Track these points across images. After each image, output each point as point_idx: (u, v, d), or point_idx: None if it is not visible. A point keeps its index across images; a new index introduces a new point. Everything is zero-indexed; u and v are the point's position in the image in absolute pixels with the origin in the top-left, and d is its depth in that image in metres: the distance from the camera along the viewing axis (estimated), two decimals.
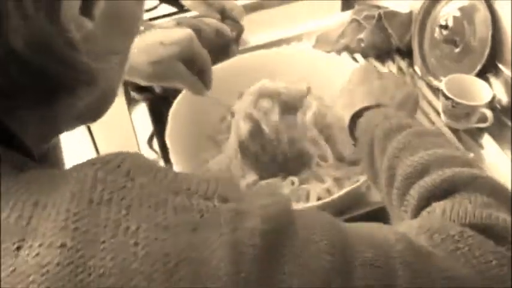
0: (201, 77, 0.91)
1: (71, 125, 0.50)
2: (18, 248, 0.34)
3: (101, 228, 0.35)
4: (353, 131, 0.76)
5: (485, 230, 0.48)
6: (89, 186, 0.37)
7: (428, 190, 0.56)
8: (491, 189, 0.54)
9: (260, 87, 0.97)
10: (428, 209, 0.54)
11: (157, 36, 0.86)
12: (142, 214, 0.37)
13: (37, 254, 0.34)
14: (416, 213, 0.57)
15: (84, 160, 0.42)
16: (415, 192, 0.58)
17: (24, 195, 0.37)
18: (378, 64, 1.24)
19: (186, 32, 0.88)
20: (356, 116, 0.76)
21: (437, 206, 0.53)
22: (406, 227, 0.50)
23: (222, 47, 1.21)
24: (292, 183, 0.90)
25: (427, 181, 0.57)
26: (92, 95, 0.46)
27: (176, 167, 0.89)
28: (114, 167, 0.39)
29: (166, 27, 0.92)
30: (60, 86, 0.42)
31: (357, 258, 0.41)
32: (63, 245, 0.34)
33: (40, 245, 0.34)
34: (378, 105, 0.76)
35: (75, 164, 0.42)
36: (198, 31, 1.10)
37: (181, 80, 0.90)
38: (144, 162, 0.40)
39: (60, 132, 0.50)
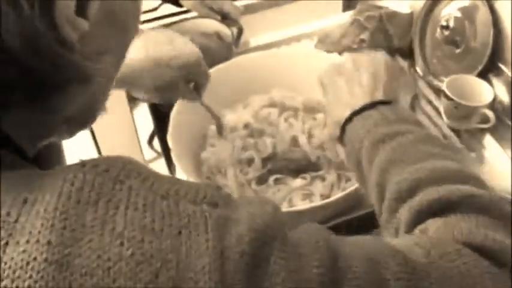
0: (196, 88, 0.93)
1: (60, 128, 0.49)
2: (6, 244, 0.35)
3: (88, 228, 0.36)
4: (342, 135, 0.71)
5: (481, 250, 0.47)
6: (77, 187, 0.37)
7: (419, 210, 0.53)
8: (487, 207, 0.51)
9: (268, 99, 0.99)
10: (421, 226, 0.52)
11: (165, 54, 0.85)
12: (129, 216, 0.37)
13: (23, 251, 0.34)
14: (407, 231, 0.54)
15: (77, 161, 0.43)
16: (405, 211, 0.54)
17: (13, 193, 0.37)
18: None
19: (195, 54, 0.88)
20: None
21: (431, 225, 0.51)
22: (401, 242, 0.49)
23: (222, 48, 1.21)
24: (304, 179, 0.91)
25: (419, 200, 0.53)
26: (82, 96, 0.46)
27: (178, 167, 0.89)
28: (102, 170, 0.39)
29: (178, 31, 0.90)
30: (51, 85, 0.42)
31: (348, 272, 0.41)
32: (49, 243, 0.34)
33: (27, 242, 0.35)
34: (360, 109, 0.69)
35: (66, 164, 0.42)
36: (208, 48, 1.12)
37: (180, 96, 0.93)
38: (134, 167, 0.40)
39: (50, 134, 0.49)
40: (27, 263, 0.34)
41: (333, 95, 0.74)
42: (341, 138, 0.71)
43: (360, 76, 0.72)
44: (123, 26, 0.48)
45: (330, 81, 0.76)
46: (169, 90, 0.88)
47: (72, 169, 0.39)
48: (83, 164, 0.40)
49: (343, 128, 0.70)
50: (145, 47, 0.83)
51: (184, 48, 0.88)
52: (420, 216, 0.53)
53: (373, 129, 0.65)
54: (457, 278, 0.44)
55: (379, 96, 0.70)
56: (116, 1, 0.45)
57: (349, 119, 0.69)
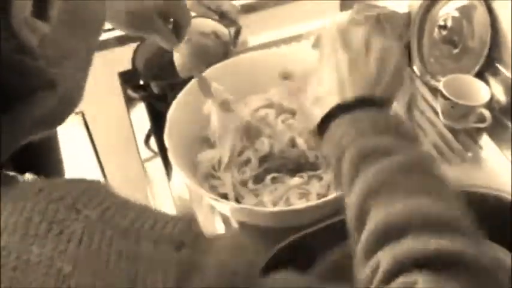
0: (176, 30, 0.89)
1: (30, 132, 0.46)
2: None
3: (32, 266, 0.32)
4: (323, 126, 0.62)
5: None
6: (25, 217, 0.34)
7: (405, 259, 0.46)
8: (480, 271, 0.45)
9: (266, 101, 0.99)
10: (405, 279, 0.45)
11: None
12: (80, 255, 0.33)
13: None
14: (386, 279, 0.46)
15: (37, 180, 0.40)
16: (386, 254, 0.47)
17: None
18: None
19: None
20: (331, 112, 0.61)
21: (420, 283, 0.44)
22: None
23: (220, 47, 1.21)
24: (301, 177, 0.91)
25: (406, 248, 0.46)
26: (50, 101, 0.44)
27: (174, 166, 0.89)
28: (58, 198, 0.35)
29: None
30: (14, 94, 0.40)
31: None
32: None
33: None
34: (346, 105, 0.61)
35: (23, 184, 0.39)
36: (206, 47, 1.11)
37: (156, 32, 0.87)
38: (95, 194, 0.37)
39: (18, 141, 0.46)
40: None
41: (329, 68, 0.65)
42: (320, 128, 0.63)
43: (367, 61, 0.64)
44: (88, 27, 0.45)
45: (332, 49, 0.66)
46: (142, 20, 0.84)
47: (26, 194, 0.36)
48: (39, 188, 0.36)
49: (326, 118, 0.61)
50: None
51: None
52: (404, 267, 0.46)
53: (359, 139, 0.57)
54: None
55: (379, 91, 0.62)
56: (79, 1, 0.43)
57: (334, 111, 0.61)
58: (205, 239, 0.38)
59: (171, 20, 0.90)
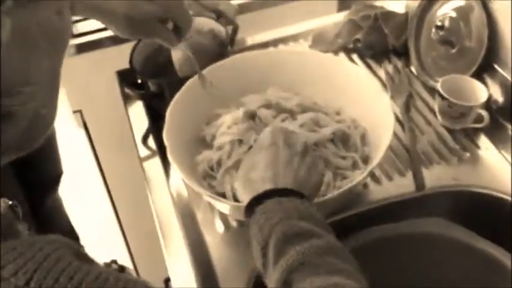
0: (176, 30, 0.88)
1: (2, 156, 0.42)
2: None
3: None
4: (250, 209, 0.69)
5: None
6: None
7: None
8: None
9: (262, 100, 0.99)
10: None
11: None
12: None
13: None
14: None
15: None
16: None
17: None
18: (374, 64, 1.24)
19: None
20: (257, 197, 0.69)
21: None
22: None
23: (217, 46, 1.21)
24: None
25: None
26: (10, 132, 0.40)
27: (173, 165, 0.89)
28: (11, 274, 0.33)
29: None
30: None
31: None
32: None
33: None
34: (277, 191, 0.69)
35: None
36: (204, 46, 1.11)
37: (156, 35, 0.87)
38: (53, 267, 0.35)
39: None
40: None
41: (267, 158, 0.73)
42: (248, 210, 0.69)
43: (301, 164, 0.73)
44: (47, 47, 0.41)
45: (273, 142, 0.75)
46: (142, 26, 0.83)
47: None
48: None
49: (255, 200, 0.68)
50: None
51: None
52: None
53: (285, 221, 0.63)
54: None
55: (305, 191, 0.70)
56: (32, 18, 0.38)
57: (263, 196, 0.68)
58: None
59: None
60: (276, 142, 0.75)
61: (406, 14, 1.26)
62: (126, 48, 1.17)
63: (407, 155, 1.02)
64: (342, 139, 0.96)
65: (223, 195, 0.91)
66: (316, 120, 0.98)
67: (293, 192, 0.69)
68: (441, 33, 1.15)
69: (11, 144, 0.41)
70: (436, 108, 1.08)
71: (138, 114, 1.19)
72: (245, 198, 0.71)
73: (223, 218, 0.96)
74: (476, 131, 1.06)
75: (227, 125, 0.98)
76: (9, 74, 0.36)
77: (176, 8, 0.85)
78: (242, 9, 1.35)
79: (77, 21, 1.39)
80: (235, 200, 0.91)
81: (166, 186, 1.04)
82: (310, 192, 0.73)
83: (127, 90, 1.22)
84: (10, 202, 0.46)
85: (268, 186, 0.69)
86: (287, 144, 0.75)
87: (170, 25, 0.87)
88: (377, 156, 0.88)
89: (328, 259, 0.60)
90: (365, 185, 0.97)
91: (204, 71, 1.00)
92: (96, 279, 0.36)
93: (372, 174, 0.97)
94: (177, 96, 1.00)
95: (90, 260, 0.40)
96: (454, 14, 1.12)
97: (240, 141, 0.95)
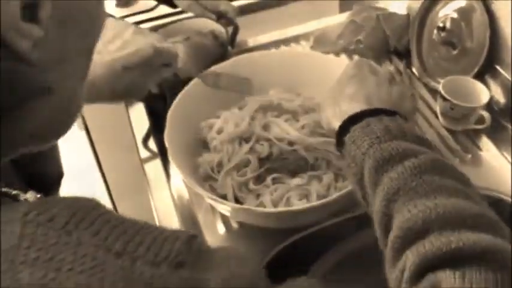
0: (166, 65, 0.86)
1: (18, 147, 0.43)
2: None
3: None
4: (340, 140, 0.67)
5: None
6: (12, 245, 0.32)
7: (429, 257, 0.47)
8: (504, 263, 0.45)
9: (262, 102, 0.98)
10: (430, 279, 0.46)
11: (118, 57, 0.77)
12: (71, 281, 0.31)
13: None
14: (413, 279, 0.48)
15: (30, 196, 0.39)
16: (412, 254, 0.49)
17: None
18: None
19: (148, 49, 0.79)
20: (344, 127, 0.66)
21: (444, 280, 0.45)
22: None
23: (217, 47, 1.21)
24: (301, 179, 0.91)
25: (429, 245, 0.48)
26: (43, 111, 0.41)
27: (174, 167, 0.89)
28: (46, 220, 0.33)
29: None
30: (7, 104, 0.37)
31: None
32: None
33: None
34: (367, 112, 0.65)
35: (13, 206, 0.36)
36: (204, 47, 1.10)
37: (152, 87, 0.88)
38: (88, 213, 0.35)
39: (13, 152, 0.42)
40: None
41: (355, 85, 0.71)
42: (339, 137, 0.67)
43: (390, 90, 0.71)
44: (83, 27, 0.42)
45: (360, 71, 0.75)
46: (134, 90, 0.81)
47: (12, 218, 0.34)
48: (25, 212, 0.34)
49: (343, 129, 0.66)
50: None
51: (136, 39, 0.78)
52: (428, 266, 0.47)
53: (376, 146, 0.59)
54: None
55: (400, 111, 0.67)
56: (73, 1, 0.40)
57: (358, 116, 0.65)
58: (206, 254, 0.37)
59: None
60: (361, 70, 0.75)
61: (408, 15, 1.26)
62: None
63: None
64: None
65: (224, 197, 0.91)
66: (318, 121, 0.98)
67: (385, 111, 0.65)
68: (443, 34, 1.15)
69: (38, 127, 0.42)
70: (438, 110, 1.08)
71: (138, 116, 1.19)
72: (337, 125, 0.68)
73: (225, 219, 0.96)
74: (478, 133, 1.05)
75: (226, 126, 0.98)
76: (50, 50, 0.38)
77: (156, 58, 0.82)
78: (244, 10, 1.35)
79: None
80: (237, 201, 0.91)
81: (167, 188, 1.03)
82: (405, 116, 0.68)
83: None
84: (38, 195, 0.46)
85: (361, 107, 0.67)
86: (372, 72, 0.74)
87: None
88: None
89: (428, 178, 0.54)
90: None
91: (205, 73, 1.00)
92: (134, 224, 0.36)
93: None
94: (178, 97, 1.00)
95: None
96: (455, 15, 1.12)
97: (240, 142, 0.95)
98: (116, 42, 0.77)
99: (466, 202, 0.52)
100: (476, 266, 0.44)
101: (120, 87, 0.78)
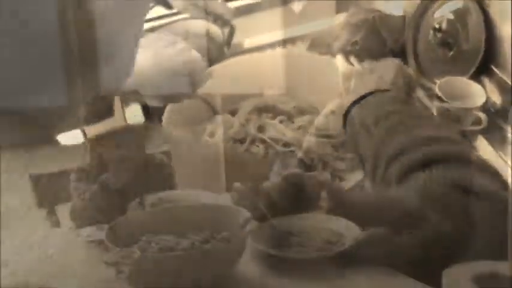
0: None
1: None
2: None
3: None
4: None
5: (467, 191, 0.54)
6: None
7: (406, 166, 0.61)
8: (468, 160, 0.59)
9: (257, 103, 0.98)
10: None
11: (173, 61, 0.86)
12: None
13: None
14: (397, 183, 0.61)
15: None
16: (394, 169, 0.63)
17: None
18: None
19: (198, 57, 0.91)
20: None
21: (417, 178, 0.58)
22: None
23: (213, 48, 1.21)
24: None
25: (405, 159, 0.62)
26: (109, 73, 0.47)
27: None
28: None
29: None
30: (84, 61, 0.42)
31: None
32: None
33: None
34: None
35: None
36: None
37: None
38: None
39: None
40: None
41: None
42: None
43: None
44: (134, 16, 0.49)
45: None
46: (176, 96, 0.86)
47: None
48: None
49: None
50: (151, 54, 0.80)
51: (189, 53, 0.86)
52: (406, 171, 0.61)
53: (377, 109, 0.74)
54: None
55: None
56: None
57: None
58: None
59: None
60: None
61: (404, 16, 1.26)
62: None
63: None
64: (339, 141, 0.96)
65: None
66: (314, 122, 0.98)
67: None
68: (439, 35, 1.15)
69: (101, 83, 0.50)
70: (434, 111, 1.07)
71: (135, 114, 1.18)
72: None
73: None
74: (474, 133, 1.05)
75: (225, 127, 0.97)
76: (110, 25, 0.47)
77: (202, 71, 0.93)
78: (241, 11, 1.35)
79: None
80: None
81: None
82: None
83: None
84: None
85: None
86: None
87: None
88: None
89: (410, 122, 0.71)
90: (362, 187, 0.96)
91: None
92: None
93: None
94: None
95: None
96: (451, 17, 1.12)
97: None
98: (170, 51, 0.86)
99: (432, 132, 0.70)
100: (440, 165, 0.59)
101: (167, 92, 0.88)
